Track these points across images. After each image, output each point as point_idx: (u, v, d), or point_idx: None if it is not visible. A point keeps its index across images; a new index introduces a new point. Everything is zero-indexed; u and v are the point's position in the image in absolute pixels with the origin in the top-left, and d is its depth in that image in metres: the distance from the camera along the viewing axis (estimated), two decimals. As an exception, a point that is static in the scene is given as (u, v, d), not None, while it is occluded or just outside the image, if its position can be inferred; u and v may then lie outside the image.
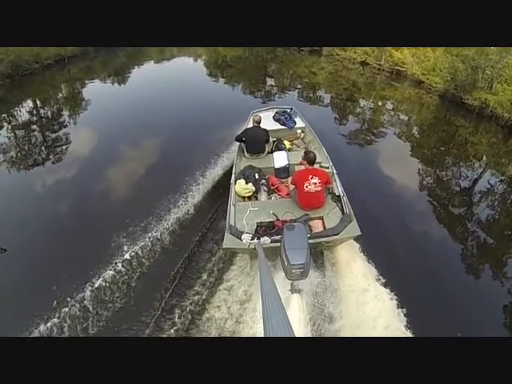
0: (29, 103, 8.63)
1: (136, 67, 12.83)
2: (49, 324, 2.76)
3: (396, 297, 2.89)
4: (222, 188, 4.29)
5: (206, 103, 8.12)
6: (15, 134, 6.85)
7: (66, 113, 8.18)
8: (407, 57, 11.34)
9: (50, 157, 5.91)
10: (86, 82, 10.71)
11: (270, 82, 11.11)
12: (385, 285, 2.99)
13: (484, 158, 6.41)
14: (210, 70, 12.46)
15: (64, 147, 6.20)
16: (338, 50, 13.00)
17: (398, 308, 2.81)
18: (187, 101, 8.53)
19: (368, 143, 6.61)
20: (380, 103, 9.39)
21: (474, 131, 7.42)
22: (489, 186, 5.24)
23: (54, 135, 6.77)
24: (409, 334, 2.59)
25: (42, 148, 6.32)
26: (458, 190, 5.16)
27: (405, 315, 2.76)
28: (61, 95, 9.92)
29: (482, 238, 4.08)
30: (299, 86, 10.67)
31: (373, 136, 6.90)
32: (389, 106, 9.18)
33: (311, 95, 9.76)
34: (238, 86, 10.46)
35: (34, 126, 7.28)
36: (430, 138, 7.21)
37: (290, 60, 13.61)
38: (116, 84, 10.85)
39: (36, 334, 2.67)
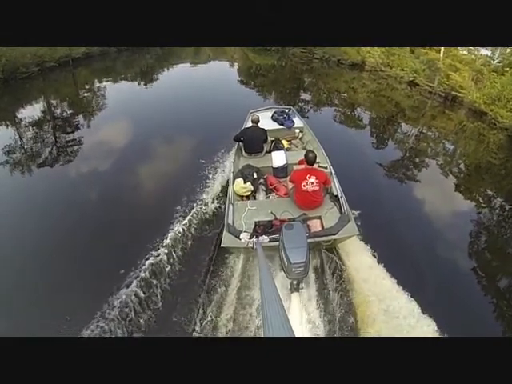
0: (17, 108, 8.14)
1: (162, 71, 12.39)
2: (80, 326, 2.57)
3: (397, 293, 2.80)
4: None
5: (232, 109, 7.38)
6: (15, 132, 6.71)
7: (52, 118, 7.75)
8: (466, 80, 9.82)
9: (59, 159, 5.74)
10: (87, 86, 10.14)
11: (303, 95, 10.14)
12: (383, 284, 2.91)
13: None
14: (242, 78, 11.74)
15: (62, 153, 5.89)
16: (383, 67, 11.71)
17: (397, 303, 2.72)
18: (212, 106, 7.85)
19: (408, 174, 5.74)
20: (427, 132, 8.05)
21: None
22: None
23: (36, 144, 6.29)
24: (409, 334, 2.49)
25: (53, 149, 6.01)
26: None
27: (406, 314, 2.65)
28: (45, 103, 8.91)
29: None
30: (336, 103, 9.59)
31: (414, 167, 6.01)
32: (437, 136, 7.84)
33: (349, 113, 8.67)
34: (269, 96, 9.58)
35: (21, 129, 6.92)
36: (486, 184, 5.86)
37: (327, 73, 12.53)
38: (125, 90, 9.98)
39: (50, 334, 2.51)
